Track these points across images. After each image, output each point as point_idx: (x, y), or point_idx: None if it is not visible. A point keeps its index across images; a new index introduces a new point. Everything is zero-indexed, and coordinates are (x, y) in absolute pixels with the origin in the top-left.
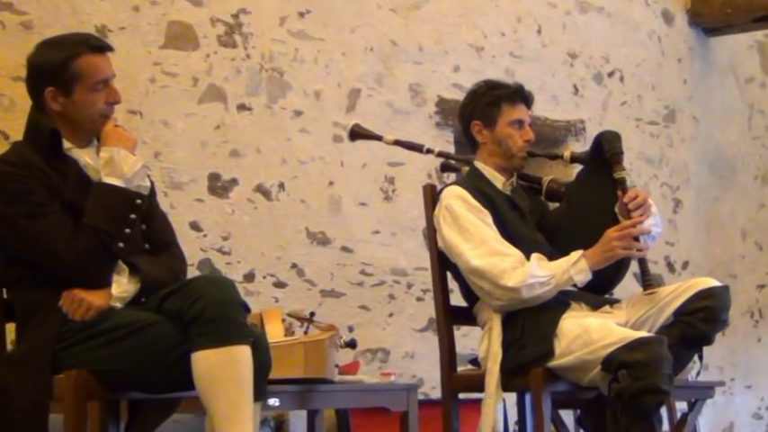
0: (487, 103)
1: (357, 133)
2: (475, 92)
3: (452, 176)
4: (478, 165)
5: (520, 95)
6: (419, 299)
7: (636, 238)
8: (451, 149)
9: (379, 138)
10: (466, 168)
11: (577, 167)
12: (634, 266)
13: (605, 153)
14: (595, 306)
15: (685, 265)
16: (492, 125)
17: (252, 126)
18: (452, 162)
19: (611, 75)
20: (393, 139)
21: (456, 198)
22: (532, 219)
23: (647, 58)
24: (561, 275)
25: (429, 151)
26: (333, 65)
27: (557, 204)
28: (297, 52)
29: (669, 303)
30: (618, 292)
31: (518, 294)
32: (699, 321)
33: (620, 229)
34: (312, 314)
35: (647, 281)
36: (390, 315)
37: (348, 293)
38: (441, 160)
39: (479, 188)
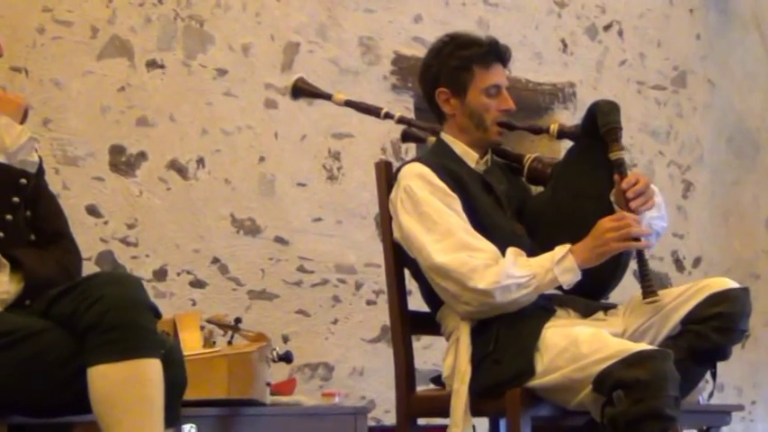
0: (456, 66)
1: (301, 90)
2: (440, 51)
3: (413, 152)
4: (446, 137)
5: (494, 54)
6: (370, 302)
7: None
8: (409, 116)
9: (327, 96)
10: (433, 139)
11: (567, 144)
12: (635, 264)
13: (600, 128)
14: (586, 313)
15: (697, 262)
16: (462, 93)
17: (164, 88)
18: (416, 130)
19: (607, 28)
20: (344, 99)
21: (417, 178)
22: (511, 205)
23: (652, 8)
24: (543, 275)
25: (388, 116)
26: (265, 12)
27: (541, 188)
28: None
29: (676, 309)
30: (614, 295)
31: (490, 298)
32: (712, 331)
33: (616, 219)
34: (238, 320)
35: (648, 285)
36: (335, 322)
37: (282, 295)
38: (401, 128)
39: (446, 166)
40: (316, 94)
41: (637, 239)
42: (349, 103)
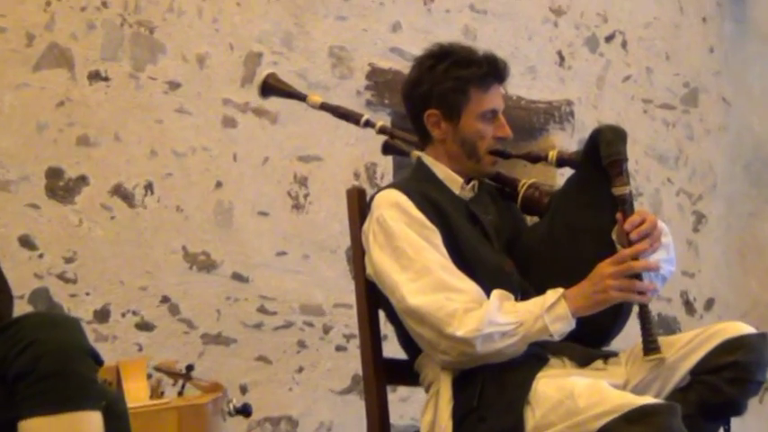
0: (450, 87)
1: (272, 88)
2: (432, 67)
3: (390, 177)
4: (427, 159)
5: (493, 74)
6: (340, 348)
7: (638, 276)
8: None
9: (301, 97)
10: (417, 154)
11: (568, 170)
12: None
13: (602, 160)
14: (583, 361)
15: (709, 304)
16: (455, 117)
17: (109, 103)
18: (399, 142)
19: (609, 39)
20: (320, 102)
21: (391, 207)
22: (500, 237)
23: (660, 17)
24: (532, 323)
25: (368, 124)
26: (223, 19)
27: (536, 219)
28: (173, 0)
29: (685, 358)
30: (616, 340)
31: (470, 348)
32: (725, 383)
33: (616, 262)
34: (190, 368)
35: (650, 341)
36: (300, 370)
37: (241, 339)
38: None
39: (426, 193)
40: (288, 93)
41: (638, 277)
42: (325, 107)
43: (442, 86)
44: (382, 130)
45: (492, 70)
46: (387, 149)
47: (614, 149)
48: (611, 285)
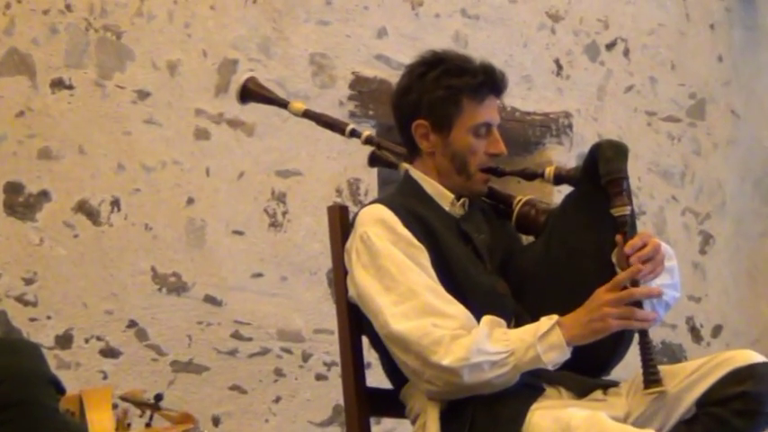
0: (441, 96)
1: (251, 93)
2: (423, 76)
3: (375, 193)
4: (415, 173)
5: (490, 85)
6: (320, 377)
7: (638, 303)
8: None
9: (283, 104)
10: (405, 166)
11: (566, 187)
12: None
13: (601, 178)
14: (581, 392)
15: (717, 330)
16: (445, 129)
17: (72, 113)
18: (387, 153)
19: (610, 46)
20: (303, 109)
21: (376, 224)
22: (493, 257)
23: (665, 23)
24: (523, 352)
25: (354, 134)
26: (196, 23)
27: (532, 238)
28: (142, 3)
29: (691, 388)
30: (617, 369)
31: (457, 378)
32: (733, 415)
33: (615, 287)
34: (159, 397)
35: (651, 373)
36: (277, 401)
37: (213, 367)
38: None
39: (414, 210)
40: (269, 99)
41: (639, 304)
42: (308, 115)
43: (432, 95)
44: (368, 141)
45: (488, 81)
46: (373, 161)
47: (614, 167)
48: (609, 313)
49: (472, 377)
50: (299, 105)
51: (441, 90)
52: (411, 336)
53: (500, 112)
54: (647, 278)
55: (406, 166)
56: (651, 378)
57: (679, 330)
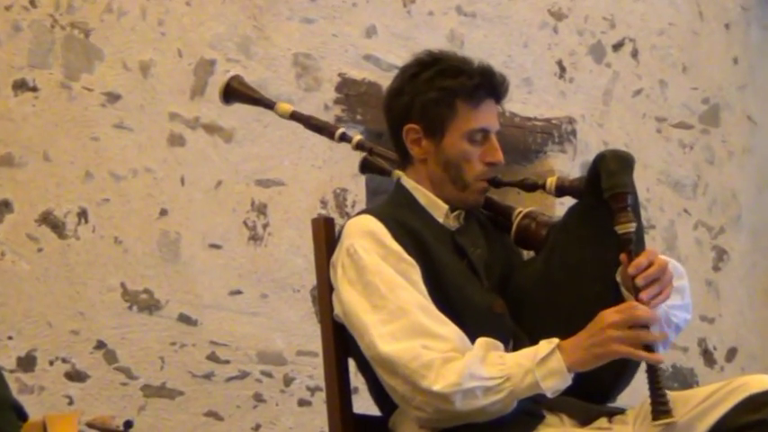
0: (434, 98)
1: (236, 93)
2: (415, 77)
3: (363, 204)
4: (407, 183)
5: (488, 88)
6: (303, 402)
7: (645, 326)
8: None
9: (269, 104)
10: (399, 173)
11: (569, 199)
12: None
13: (603, 192)
14: (585, 419)
15: (731, 353)
16: (438, 134)
17: (37, 117)
18: (379, 160)
19: (617, 47)
20: (291, 111)
21: (364, 236)
22: (490, 274)
23: (676, 22)
24: (521, 378)
25: (344, 138)
26: (171, 20)
27: (533, 253)
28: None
29: (703, 416)
30: (623, 395)
31: (448, 404)
32: None
33: (620, 311)
34: (128, 424)
35: (660, 402)
36: (256, 428)
37: (188, 392)
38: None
39: (405, 222)
40: (254, 99)
41: (648, 347)
42: (296, 117)
43: (424, 97)
44: (360, 146)
45: (485, 83)
46: (365, 168)
47: (617, 181)
48: (612, 337)
49: (465, 404)
50: (286, 107)
51: (434, 92)
52: (400, 358)
53: (499, 118)
54: (654, 301)
55: (399, 173)
56: (660, 408)
57: (690, 353)
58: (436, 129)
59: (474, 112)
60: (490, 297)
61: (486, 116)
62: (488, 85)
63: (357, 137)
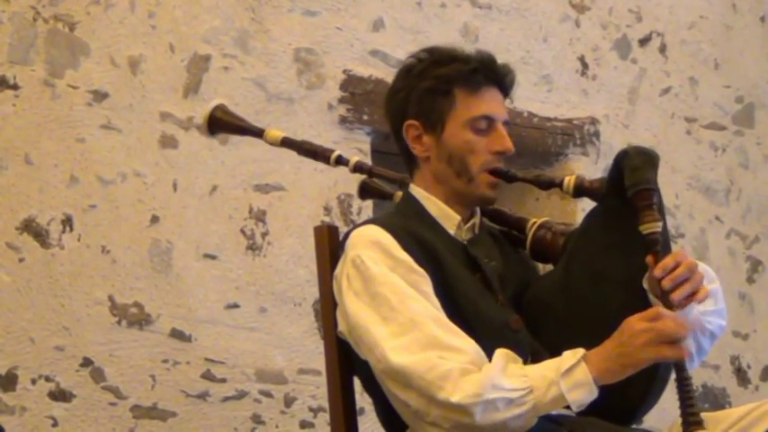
0: (429, 88)
1: (221, 123)
2: (409, 70)
3: (370, 212)
4: (416, 191)
5: (486, 73)
6: (306, 424)
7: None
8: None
9: (257, 133)
10: (401, 194)
11: (588, 204)
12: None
13: (627, 189)
14: None
15: (767, 373)
16: (437, 127)
17: (17, 117)
18: (379, 182)
19: (644, 42)
20: (281, 137)
21: (371, 246)
22: (505, 288)
23: (708, 15)
24: (545, 390)
25: (340, 162)
26: (162, 12)
27: (550, 266)
28: None
29: None
30: (650, 416)
31: (467, 417)
32: None
33: (649, 318)
34: None
35: (691, 413)
36: None
37: (181, 413)
38: (358, 180)
39: (415, 232)
40: (241, 128)
41: (677, 347)
42: (287, 143)
43: (419, 89)
44: (358, 168)
45: (483, 68)
46: (364, 192)
47: (642, 177)
48: (641, 343)
49: (485, 417)
50: (275, 134)
51: (428, 81)
52: (414, 370)
53: (505, 109)
54: (684, 303)
55: (400, 194)
56: (691, 419)
57: (722, 372)
58: (435, 121)
59: (474, 99)
60: (505, 312)
61: (489, 103)
62: (487, 70)
63: (354, 159)
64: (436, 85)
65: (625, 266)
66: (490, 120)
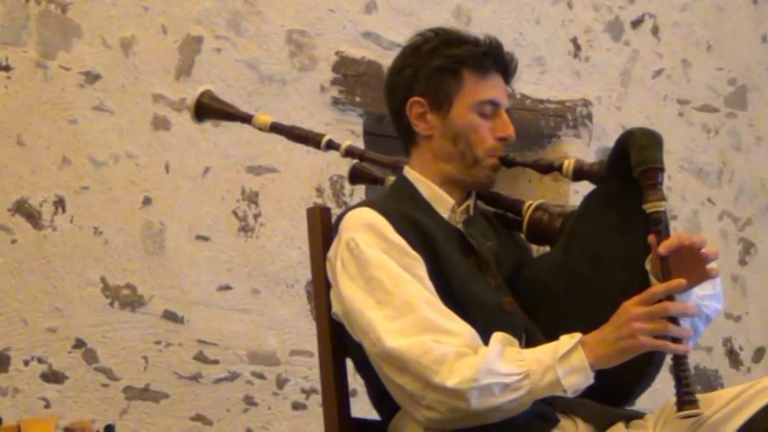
0: (439, 67)
1: (208, 109)
2: (418, 48)
3: (363, 194)
4: (411, 173)
5: (495, 59)
6: (298, 405)
7: (674, 319)
8: (359, 146)
9: (246, 118)
10: (393, 179)
11: (585, 187)
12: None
13: (633, 169)
14: (602, 423)
15: (759, 354)
16: (444, 106)
17: (9, 98)
18: (370, 167)
19: (637, 24)
20: (270, 123)
21: (365, 229)
22: (500, 271)
23: None
24: (541, 375)
25: (331, 146)
26: None
27: (546, 248)
28: None
29: (728, 420)
30: (643, 399)
31: (463, 402)
32: None
33: (645, 300)
34: (110, 429)
35: (685, 392)
36: None
37: (174, 394)
38: (350, 162)
39: (408, 214)
40: (229, 114)
41: (674, 320)
42: (276, 128)
43: (428, 67)
44: (349, 152)
45: (492, 52)
46: (354, 177)
47: (649, 156)
48: (639, 329)
49: (480, 401)
50: (264, 119)
51: (438, 60)
52: (409, 353)
53: (507, 96)
54: (687, 285)
55: (392, 179)
56: (685, 399)
57: (715, 354)
58: (442, 100)
59: (482, 83)
60: (499, 294)
61: (495, 88)
62: (496, 54)
63: (345, 143)
64: (447, 64)
65: (625, 248)
66: (495, 105)
